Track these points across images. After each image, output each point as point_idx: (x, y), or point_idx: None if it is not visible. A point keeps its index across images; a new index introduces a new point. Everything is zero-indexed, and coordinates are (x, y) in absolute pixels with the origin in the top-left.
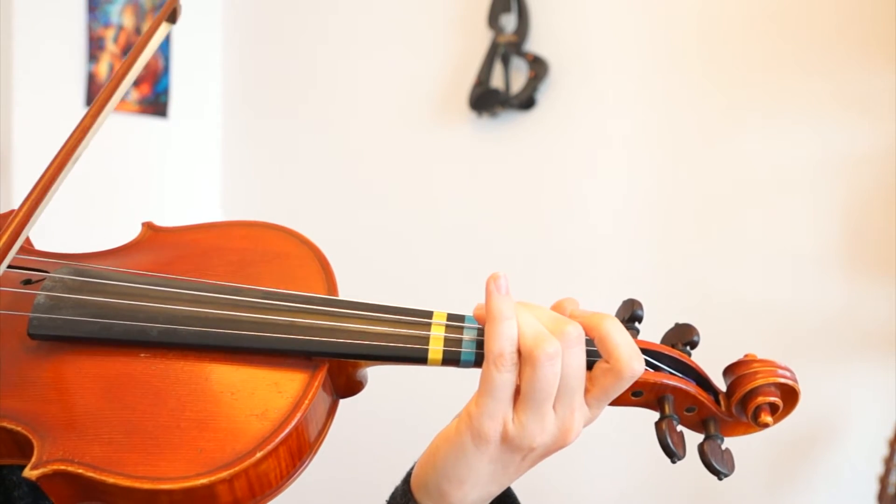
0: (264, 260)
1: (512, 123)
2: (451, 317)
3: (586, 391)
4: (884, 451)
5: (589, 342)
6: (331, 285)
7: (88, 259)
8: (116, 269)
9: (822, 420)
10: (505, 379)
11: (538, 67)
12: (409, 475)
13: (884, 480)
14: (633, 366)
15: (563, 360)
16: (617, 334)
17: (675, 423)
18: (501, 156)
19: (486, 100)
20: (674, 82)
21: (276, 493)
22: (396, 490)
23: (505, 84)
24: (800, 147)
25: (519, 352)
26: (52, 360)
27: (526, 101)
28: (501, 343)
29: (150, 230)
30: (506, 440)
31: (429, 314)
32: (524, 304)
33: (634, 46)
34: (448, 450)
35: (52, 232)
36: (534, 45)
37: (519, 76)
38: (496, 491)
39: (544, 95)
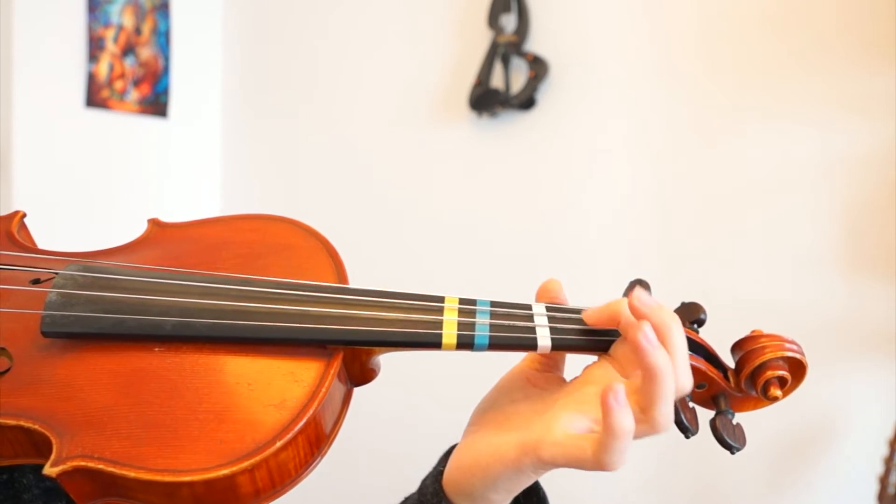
0: (273, 252)
1: (512, 123)
2: (462, 301)
3: None
4: (884, 451)
5: (608, 332)
6: (341, 275)
7: (96, 256)
8: (127, 265)
9: (822, 420)
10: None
11: (538, 67)
12: (439, 474)
13: (884, 480)
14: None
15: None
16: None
17: (687, 399)
18: (501, 156)
19: (486, 100)
20: (674, 82)
21: (295, 483)
22: (425, 487)
23: (505, 84)
24: (800, 147)
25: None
26: (67, 358)
27: (526, 101)
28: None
29: (157, 226)
30: None
31: (440, 299)
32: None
33: (634, 46)
34: (502, 470)
35: (53, 232)
36: (534, 45)
37: (519, 76)
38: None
39: (544, 95)
